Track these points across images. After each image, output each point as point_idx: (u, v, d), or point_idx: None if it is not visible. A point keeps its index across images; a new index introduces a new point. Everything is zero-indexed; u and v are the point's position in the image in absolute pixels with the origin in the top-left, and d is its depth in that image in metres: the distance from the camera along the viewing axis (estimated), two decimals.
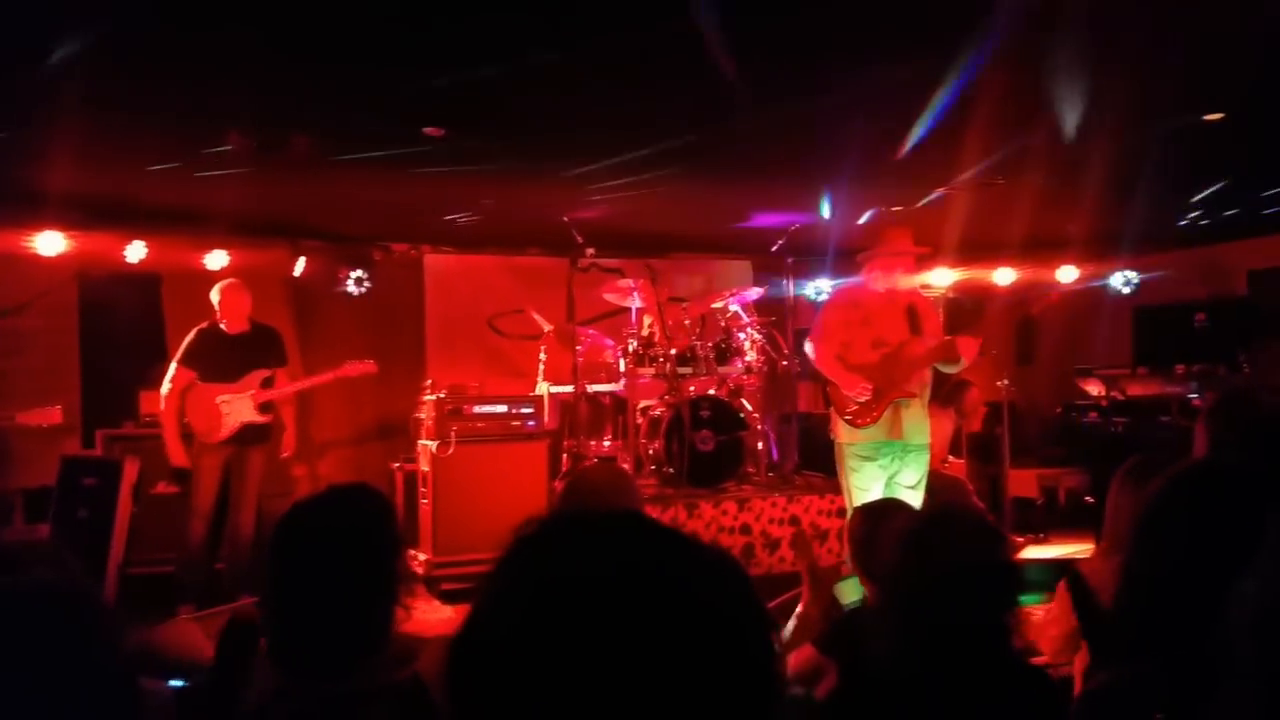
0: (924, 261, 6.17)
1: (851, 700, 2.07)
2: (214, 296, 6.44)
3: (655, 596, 0.85)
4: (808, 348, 5.66)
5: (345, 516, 2.04)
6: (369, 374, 6.90)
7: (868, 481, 5.35)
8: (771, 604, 5.00)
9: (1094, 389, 9.35)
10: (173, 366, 6.38)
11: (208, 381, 6.32)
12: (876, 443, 5.37)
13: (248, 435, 6.34)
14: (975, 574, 2.05)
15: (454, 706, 0.87)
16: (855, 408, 5.38)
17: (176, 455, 6.37)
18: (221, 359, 6.37)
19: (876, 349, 5.40)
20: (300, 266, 8.17)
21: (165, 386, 6.36)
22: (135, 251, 7.38)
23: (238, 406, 6.31)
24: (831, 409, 5.59)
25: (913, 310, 5.45)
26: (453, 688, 0.87)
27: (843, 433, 5.47)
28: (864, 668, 2.18)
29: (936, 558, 2.11)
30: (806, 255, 8.61)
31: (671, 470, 7.21)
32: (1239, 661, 1.18)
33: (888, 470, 5.39)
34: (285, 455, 6.77)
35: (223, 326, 6.42)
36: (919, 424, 5.43)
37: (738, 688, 0.85)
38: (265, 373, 6.44)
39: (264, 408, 6.39)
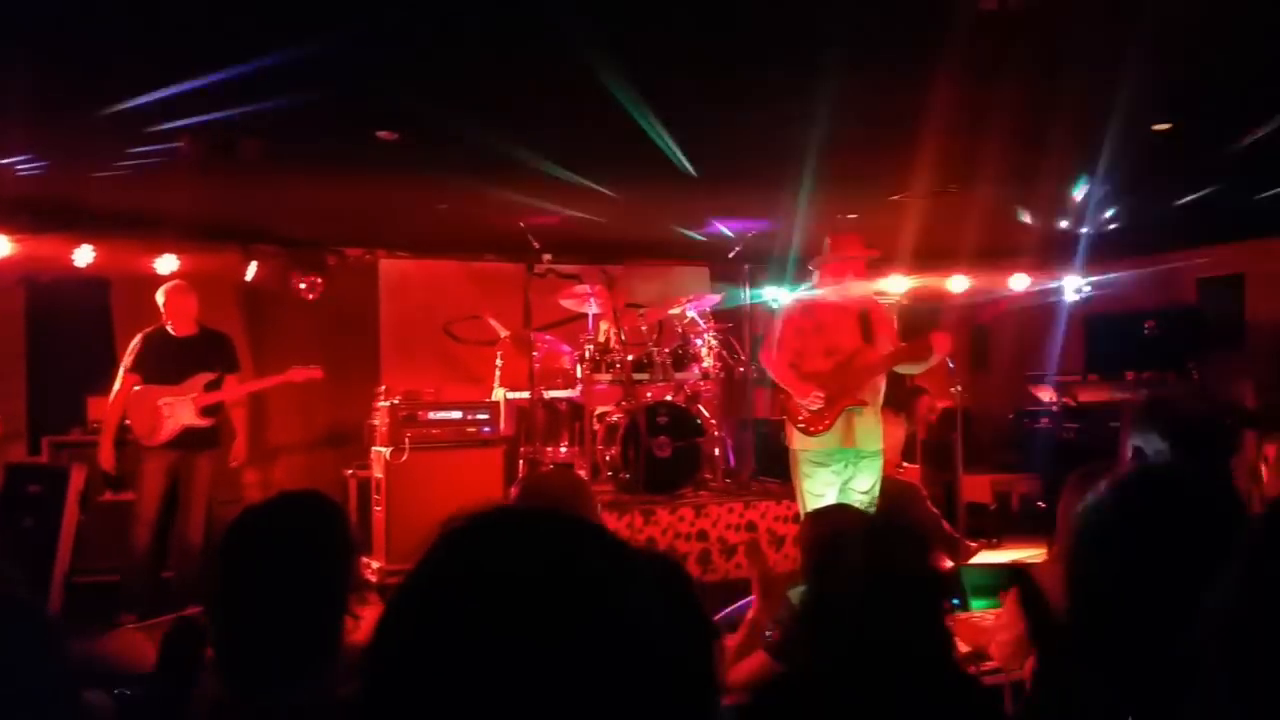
0: (875, 265, 6.20)
1: (775, 700, 2.04)
2: (159, 299, 6.34)
3: (582, 597, 0.80)
4: (762, 356, 5.68)
5: (296, 523, 2.01)
6: (315, 379, 6.75)
7: (821, 487, 5.37)
8: (727, 610, 4.99)
9: (1046, 395, 9.47)
10: (120, 374, 6.28)
11: (151, 384, 6.21)
12: (830, 449, 5.39)
13: (190, 439, 6.21)
14: (886, 582, 2.01)
15: (366, 713, 0.81)
16: (808, 415, 5.40)
17: (105, 458, 6.26)
18: (166, 361, 6.26)
19: (829, 357, 5.41)
20: (252, 271, 8.07)
21: (113, 393, 6.26)
22: (84, 255, 7.24)
23: (179, 409, 6.19)
24: (786, 416, 5.61)
25: (865, 318, 5.48)
26: (366, 693, 0.81)
27: (796, 439, 5.49)
28: (797, 670, 2.16)
29: (849, 564, 2.08)
30: (764, 262, 8.64)
31: (628, 476, 7.20)
32: (1206, 669, 1.17)
33: (841, 476, 5.42)
34: (235, 464, 6.67)
35: (169, 329, 6.32)
36: (872, 431, 5.46)
37: (671, 693, 0.81)
38: (209, 376, 6.30)
39: (206, 411, 6.26)
